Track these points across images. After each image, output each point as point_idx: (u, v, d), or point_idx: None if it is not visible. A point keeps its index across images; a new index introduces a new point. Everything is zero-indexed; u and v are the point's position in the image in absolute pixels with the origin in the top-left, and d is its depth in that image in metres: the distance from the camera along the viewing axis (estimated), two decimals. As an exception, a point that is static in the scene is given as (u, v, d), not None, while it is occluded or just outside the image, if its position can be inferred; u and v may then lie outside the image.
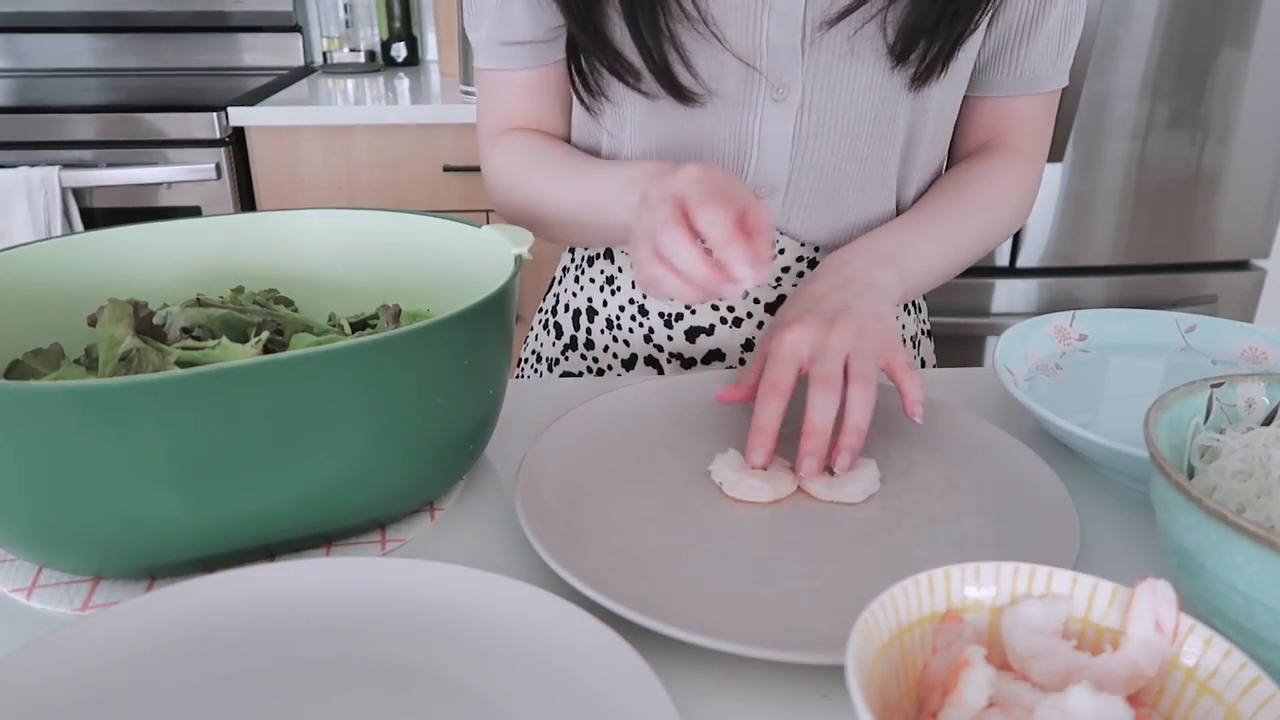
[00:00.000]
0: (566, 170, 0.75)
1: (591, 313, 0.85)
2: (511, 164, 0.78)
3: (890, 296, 0.66)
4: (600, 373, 0.86)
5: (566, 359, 0.88)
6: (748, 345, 0.82)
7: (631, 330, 0.83)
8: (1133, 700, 0.36)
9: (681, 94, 0.71)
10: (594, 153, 0.79)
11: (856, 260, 0.68)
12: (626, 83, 0.72)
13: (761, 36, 0.70)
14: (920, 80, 0.71)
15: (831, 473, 0.59)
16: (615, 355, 0.85)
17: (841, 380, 0.58)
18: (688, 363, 0.83)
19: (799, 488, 0.59)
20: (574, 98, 0.78)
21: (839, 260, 0.69)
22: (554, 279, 0.92)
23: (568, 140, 0.82)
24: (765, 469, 0.59)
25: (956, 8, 0.68)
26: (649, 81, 0.71)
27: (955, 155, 0.83)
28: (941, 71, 0.71)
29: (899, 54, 0.70)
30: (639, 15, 0.68)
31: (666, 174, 0.58)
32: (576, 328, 0.87)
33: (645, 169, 0.65)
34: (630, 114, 0.74)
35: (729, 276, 0.54)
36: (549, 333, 0.90)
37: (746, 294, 0.80)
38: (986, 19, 0.70)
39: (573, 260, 0.88)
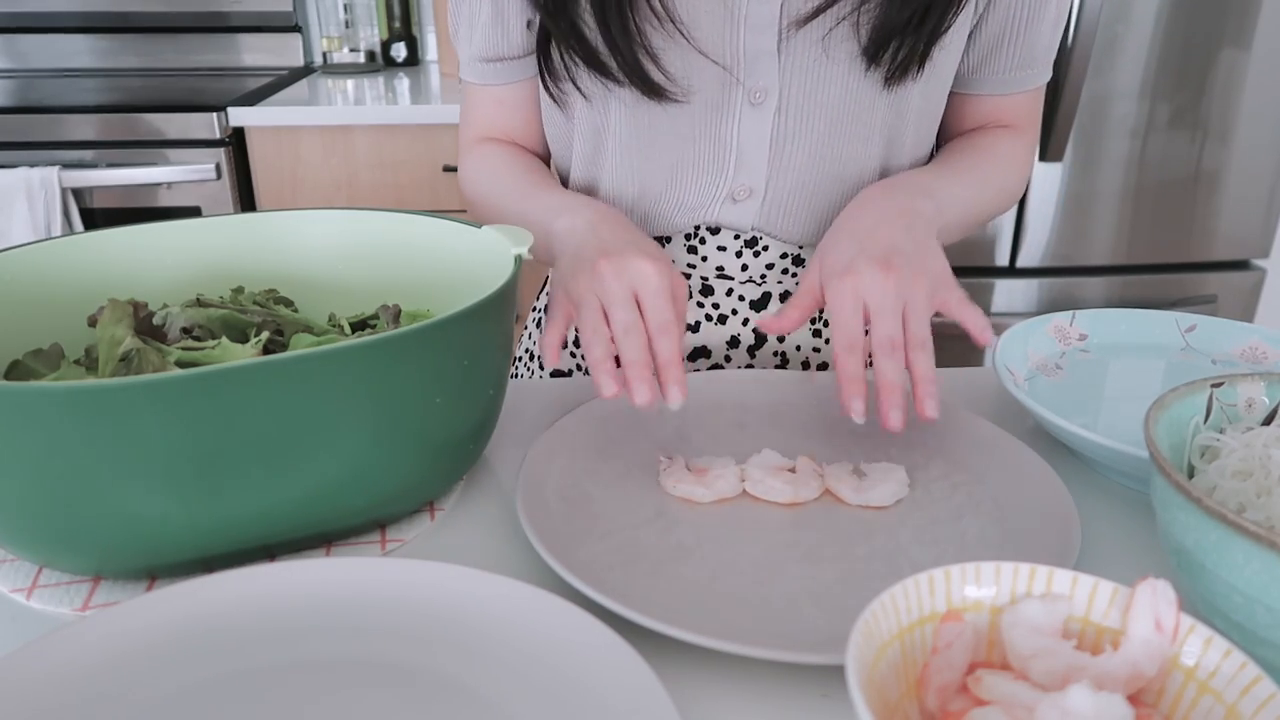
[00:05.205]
0: (527, 184, 0.77)
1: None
2: (480, 171, 0.81)
3: (934, 226, 0.66)
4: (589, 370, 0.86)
5: None
6: (733, 342, 0.82)
7: None
8: (1133, 700, 0.36)
9: (654, 90, 0.71)
10: (573, 156, 0.80)
11: (898, 193, 0.67)
12: (603, 80, 0.72)
13: (737, 43, 0.70)
14: (894, 80, 0.71)
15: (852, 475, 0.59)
16: None
17: (902, 338, 0.59)
18: None
19: (828, 491, 0.59)
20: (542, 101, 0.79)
21: (880, 191, 0.68)
22: (547, 277, 0.92)
23: (543, 152, 0.85)
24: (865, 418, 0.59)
25: (927, 6, 0.68)
26: (623, 79, 0.71)
27: (948, 140, 0.84)
28: (918, 71, 0.71)
29: (872, 54, 0.70)
30: (608, 13, 0.68)
31: (615, 254, 0.61)
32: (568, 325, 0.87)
33: (593, 227, 0.66)
34: (613, 117, 0.75)
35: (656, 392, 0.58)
36: (541, 330, 0.90)
37: (731, 291, 0.81)
38: (959, 19, 0.70)
39: None
